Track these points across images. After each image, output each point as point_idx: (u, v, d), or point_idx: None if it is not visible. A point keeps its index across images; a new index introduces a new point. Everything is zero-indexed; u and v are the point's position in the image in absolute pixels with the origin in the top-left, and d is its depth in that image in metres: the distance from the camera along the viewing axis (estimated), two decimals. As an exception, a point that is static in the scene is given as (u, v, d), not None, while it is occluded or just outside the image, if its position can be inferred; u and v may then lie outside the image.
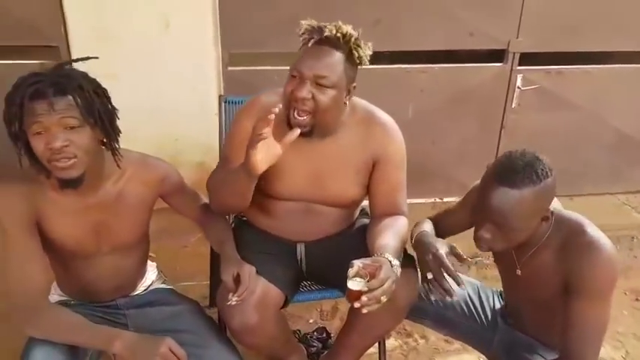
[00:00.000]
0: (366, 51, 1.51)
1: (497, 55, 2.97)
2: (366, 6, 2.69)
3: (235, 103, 2.05)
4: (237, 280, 1.45)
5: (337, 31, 1.45)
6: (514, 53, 2.91)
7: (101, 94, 1.37)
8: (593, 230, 1.34)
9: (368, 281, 1.30)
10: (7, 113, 1.26)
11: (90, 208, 1.41)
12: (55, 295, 1.57)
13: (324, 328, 2.09)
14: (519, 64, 2.95)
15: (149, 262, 1.73)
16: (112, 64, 2.61)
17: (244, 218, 1.78)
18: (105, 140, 1.38)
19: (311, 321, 2.29)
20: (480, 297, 1.69)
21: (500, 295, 1.71)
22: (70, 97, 1.26)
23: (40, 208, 1.36)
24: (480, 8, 2.79)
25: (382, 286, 1.30)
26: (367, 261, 1.35)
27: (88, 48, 2.56)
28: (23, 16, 2.52)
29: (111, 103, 1.41)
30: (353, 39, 1.47)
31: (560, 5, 2.82)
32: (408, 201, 2.80)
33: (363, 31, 2.69)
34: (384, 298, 1.31)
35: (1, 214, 1.32)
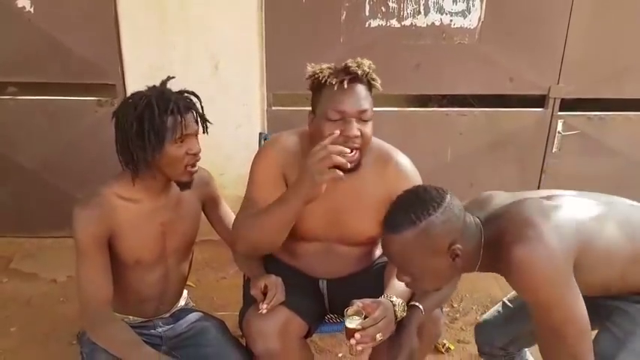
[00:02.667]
0: (378, 79, 1.59)
1: (537, 100, 2.98)
2: (406, 51, 2.77)
3: (274, 140, 2.14)
4: (266, 292, 1.54)
5: (360, 67, 1.53)
6: (555, 99, 2.92)
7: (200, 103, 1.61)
8: (513, 238, 1.26)
9: (365, 319, 1.35)
10: (151, 128, 1.45)
11: (159, 211, 1.58)
12: None
13: (351, 363, 2.10)
14: (560, 109, 2.95)
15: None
16: (164, 102, 2.78)
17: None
18: None
19: (340, 355, 2.30)
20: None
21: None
22: (195, 111, 1.55)
23: (113, 225, 1.52)
24: (521, 53, 2.82)
25: (376, 324, 1.34)
26: (367, 301, 1.39)
27: (143, 85, 2.73)
28: (84, 55, 2.71)
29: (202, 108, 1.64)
30: (371, 71, 1.56)
31: (602, 52, 2.83)
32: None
33: (404, 75, 2.81)
34: (379, 337, 1.35)
35: (76, 234, 1.49)
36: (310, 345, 1.90)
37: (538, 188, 3.09)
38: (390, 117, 2.90)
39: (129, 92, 2.77)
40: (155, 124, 1.44)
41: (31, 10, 2.63)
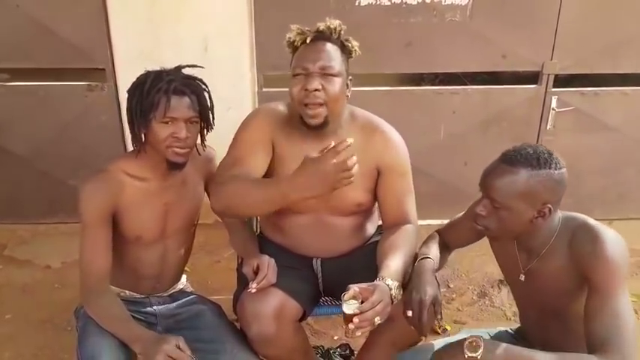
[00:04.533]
0: (354, 42, 1.59)
1: (531, 77, 2.96)
2: (397, 29, 2.74)
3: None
4: (257, 271, 1.55)
5: (329, 26, 1.55)
6: (548, 75, 2.89)
7: (209, 95, 1.59)
8: (597, 224, 1.35)
9: (361, 303, 1.34)
10: (139, 102, 1.47)
11: (164, 190, 1.59)
12: None
13: (347, 345, 2.10)
14: (554, 86, 2.93)
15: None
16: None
17: (261, 234, 1.83)
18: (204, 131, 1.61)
19: (335, 337, 2.30)
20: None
21: (512, 333, 1.68)
22: (195, 97, 1.50)
23: (119, 201, 1.53)
24: (513, 30, 2.79)
25: (374, 308, 1.33)
26: (363, 285, 1.38)
27: (132, 70, 2.71)
28: (73, 41, 2.69)
29: (211, 100, 1.60)
30: (342, 32, 1.57)
31: (595, 27, 2.80)
32: (440, 222, 2.80)
33: (395, 54, 2.78)
34: (377, 320, 1.35)
35: (82, 208, 1.52)
36: (305, 327, 1.91)
37: (533, 166, 3.08)
38: (382, 96, 2.88)
39: (119, 76, 2.76)
40: (143, 100, 1.46)
41: (19, -5, 2.61)
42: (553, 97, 2.94)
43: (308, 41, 1.54)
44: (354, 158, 1.36)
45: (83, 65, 2.78)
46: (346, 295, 1.38)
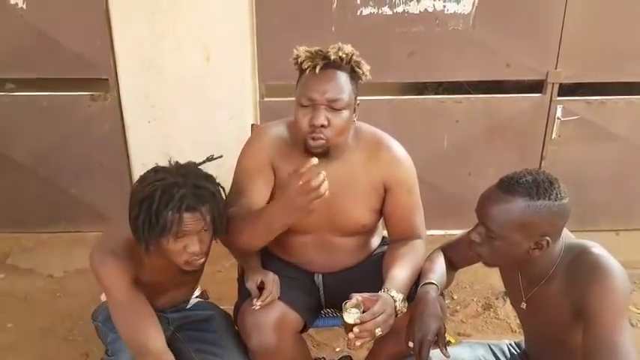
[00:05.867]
0: (365, 66, 1.52)
1: (535, 86, 2.93)
2: (399, 38, 2.73)
3: (266, 132, 2.13)
4: (262, 287, 1.53)
5: (340, 52, 1.47)
6: (553, 84, 2.87)
7: (220, 197, 1.46)
8: (598, 250, 1.28)
9: (363, 313, 1.32)
10: (147, 221, 1.35)
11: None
12: None
13: (349, 357, 2.08)
14: (559, 95, 2.90)
15: None
16: (157, 95, 2.78)
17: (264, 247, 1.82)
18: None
19: (337, 349, 2.28)
20: (494, 354, 1.61)
21: (517, 344, 1.64)
22: (207, 207, 1.39)
23: (139, 270, 1.47)
24: (517, 38, 2.77)
25: (375, 319, 1.31)
26: (366, 295, 1.37)
27: (135, 80, 2.75)
28: (76, 51, 2.71)
29: (223, 202, 1.48)
30: (354, 57, 1.49)
31: (600, 35, 2.77)
32: (444, 232, 2.83)
33: (397, 63, 2.77)
34: (378, 331, 1.32)
35: (111, 286, 1.43)
36: (307, 339, 1.89)
37: (538, 175, 3.04)
38: (385, 105, 2.87)
39: (121, 86, 2.77)
40: (151, 218, 1.35)
41: (24, 6, 2.64)
42: (558, 106, 2.91)
43: (317, 70, 1.46)
44: (321, 175, 1.32)
45: (86, 75, 2.80)
46: (348, 304, 1.36)
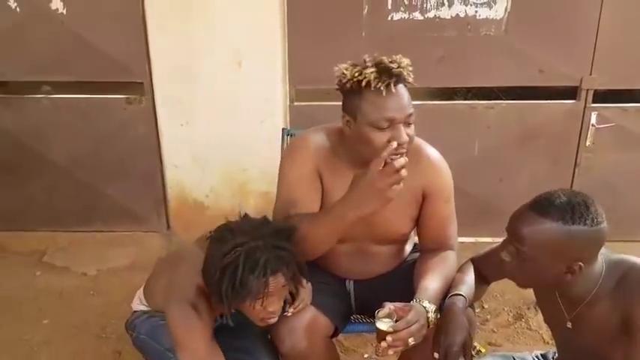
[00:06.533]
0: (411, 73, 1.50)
1: (569, 92, 2.88)
2: (430, 43, 2.72)
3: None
4: (294, 294, 1.52)
5: (402, 67, 1.44)
6: (587, 90, 2.82)
7: (295, 253, 1.45)
8: None
9: (396, 322, 1.32)
10: (231, 287, 1.36)
11: None
12: (141, 306, 1.70)
13: (376, 363, 2.07)
14: (593, 101, 2.85)
15: None
16: (190, 98, 2.83)
17: None
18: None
19: (365, 355, 2.28)
20: None
21: (542, 356, 1.62)
22: (287, 268, 1.39)
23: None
24: (551, 44, 2.73)
25: (409, 328, 1.31)
26: (399, 304, 1.36)
27: (169, 83, 2.81)
28: (113, 55, 2.78)
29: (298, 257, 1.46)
30: (409, 69, 1.47)
31: (636, 40, 2.71)
32: (475, 240, 2.79)
33: (428, 68, 2.77)
34: (411, 341, 1.31)
35: (188, 342, 1.42)
36: (335, 344, 1.89)
37: (571, 183, 2.99)
38: (415, 111, 2.85)
39: (156, 90, 2.84)
40: (235, 284, 1.36)
41: (64, 11, 2.72)
42: (592, 113, 2.86)
43: (393, 90, 1.41)
44: (403, 160, 1.33)
45: (122, 79, 2.86)
46: (380, 312, 1.36)
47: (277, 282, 1.38)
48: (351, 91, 1.46)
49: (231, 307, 1.41)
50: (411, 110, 1.45)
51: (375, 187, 1.34)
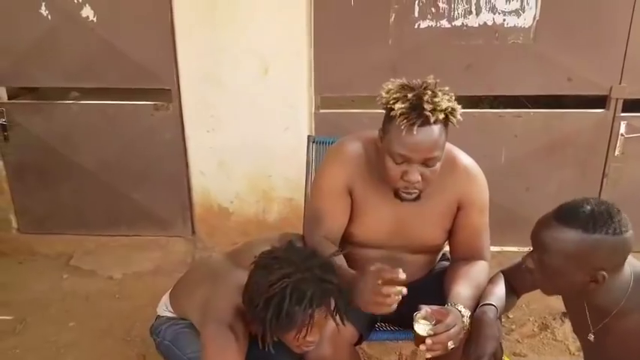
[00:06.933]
0: (459, 112, 1.45)
1: (598, 101, 2.84)
2: (457, 51, 2.71)
3: (323, 143, 2.15)
4: None
5: (437, 110, 1.38)
6: (617, 99, 2.77)
7: (341, 287, 1.44)
8: None
9: (434, 325, 1.30)
10: (276, 318, 1.34)
11: None
12: (166, 312, 1.71)
13: (401, 372, 2.05)
14: (623, 111, 2.80)
15: None
16: (216, 105, 2.86)
17: None
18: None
19: (389, 363, 2.26)
20: None
21: None
22: (330, 299, 1.38)
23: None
24: (580, 52, 2.70)
25: (448, 331, 1.29)
26: (436, 307, 1.35)
27: (196, 90, 2.84)
28: (141, 62, 2.82)
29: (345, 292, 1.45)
30: (450, 109, 1.41)
31: (668, 49, 2.67)
32: (501, 249, 2.76)
33: (455, 76, 2.75)
34: (450, 344, 1.30)
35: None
36: (360, 352, 1.88)
37: (599, 193, 2.94)
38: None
39: (183, 96, 2.87)
40: (281, 316, 1.35)
41: (94, 19, 2.77)
42: (622, 123, 2.81)
43: (415, 132, 1.37)
44: (403, 290, 1.32)
45: (151, 86, 2.90)
46: (418, 315, 1.34)
47: (322, 314, 1.38)
48: (387, 112, 1.46)
49: (273, 337, 1.39)
50: (434, 154, 1.41)
51: (364, 297, 1.36)
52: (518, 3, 2.63)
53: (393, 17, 2.67)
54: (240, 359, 1.42)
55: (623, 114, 2.81)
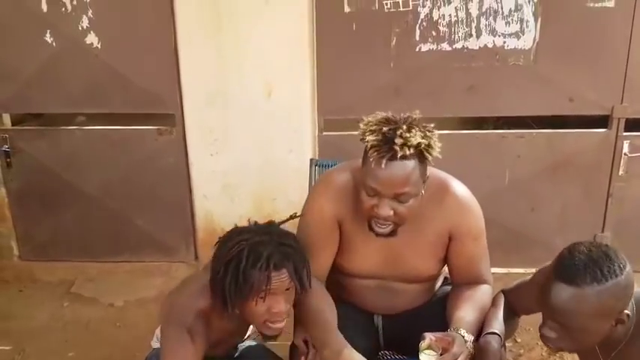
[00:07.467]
0: (436, 148, 1.42)
1: (600, 120, 2.85)
2: (459, 73, 2.73)
3: (325, 166, 2.14)
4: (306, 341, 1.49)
5: (407, 145, 1.35)
6: (619, 119, 2.78)
7: (303, 255, 1.44)
8: None
9: (440, 354, 1.28)
10: (234, 281, 1.34)
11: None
12: (157, 343, 1.68)
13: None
14: (626, 130, 2.81)
15: None
16: (220, 129, 2.87)
17: None
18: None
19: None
20: None
21: None
22: (292, 265, 1.37)
23: (207, 338, 1.45)
24: (580, 73, 2.72)
25: None
26: (439, 334, 1.33)
27: (200, 114, 2.85)
28: (145, 87, 2.84)
29: (306, 259, 1.45)
30: (423, 145, 1.38)
31: (669, 67, 2.69)
32: (508, 271, 2.73)
33: (457, 98, 2.77)
34: None
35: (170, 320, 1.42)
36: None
37: (605, 213, 2.93)
38: (444, 140, 2.81)
39: (187, 121, 2.88)
40: (239, 278, 1.34)
41: (99, 46, 2.80)
42: (625, 142, 2.82)
43: (383, 165, 1.36)
44: None
45: (155, 110, 2.92)
46: (423, 344, 1.32)
47: (281, 279, 1.34)
48: (365, 153, 1.44)
49: (235, 305, 1.37)
50: (404, 190, 1.38)
51: None
52: (518, 26, 2.66)
53: (394, 41, 2.70)
54: (195, 355, 1.38)
55: (625, 133, 2.81)
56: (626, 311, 1.19)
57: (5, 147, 2.97)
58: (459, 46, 2.70)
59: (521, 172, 2.88)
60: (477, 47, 2.69)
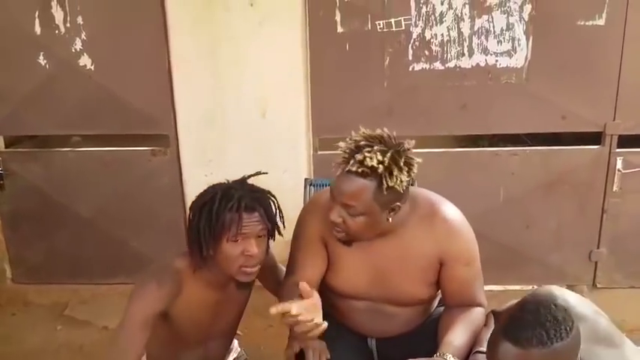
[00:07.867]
0: (401, 176, 1.40)
1: (594, 137, 2.87)
2: (452, 92, 2.75)
3: (320, 185, 2.14)
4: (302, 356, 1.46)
5: (362, 165, 1.38)
6: (612, 136, 2.80)
7: (274, 204, 1.56)
8: None
9: None
10: (208, 223, 1.42)
11: (218, 298, 1.57)
12: None
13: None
14: (619, 146, 2.82)
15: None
16: (214, 150, 2.86)
17: None
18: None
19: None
20: None
21: None
22: (263, 210, 1.46)
23: (174, 302, 1.48)
24: (572, 90, 2.74)
25: None
26: None
27: (194, 135, 2.85)
28: (139, 108, 2.84)
29: (279, 209, 1.58)
30: (381, 169, 1.38)
31: (660, 84, 2.71)
32: (504, 288, 2.72)
33: (450, 116, 2.78)
34: None
35: (135, 308, 1.43)
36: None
37: (600, 229, 2.93)
38: (438, 158, 2.86)
39: (181, 141, 2.88)
40: (212, 219, 1.41)
41: (92, 67, 2.81)
42: (618, 158, 2.83)
43: (339, 172, 1.44)
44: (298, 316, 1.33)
45: (149, 131, 2.92)
46: None
47: (252, 221, 1.42)
48: None
49: (208, 246, 1.43)
50: (351, 203, 1.41)
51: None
52: (510, 44, 2.68)
53: (387, 60, 2.72)
54: (152, 310, 1.41)
55: (618, 150, 2.83)
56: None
57: (-2, 169, 2.96)
58: (451, 65, 2.72)
59: (516, 189, 2.89)
60: (470, 66, 2.71)
